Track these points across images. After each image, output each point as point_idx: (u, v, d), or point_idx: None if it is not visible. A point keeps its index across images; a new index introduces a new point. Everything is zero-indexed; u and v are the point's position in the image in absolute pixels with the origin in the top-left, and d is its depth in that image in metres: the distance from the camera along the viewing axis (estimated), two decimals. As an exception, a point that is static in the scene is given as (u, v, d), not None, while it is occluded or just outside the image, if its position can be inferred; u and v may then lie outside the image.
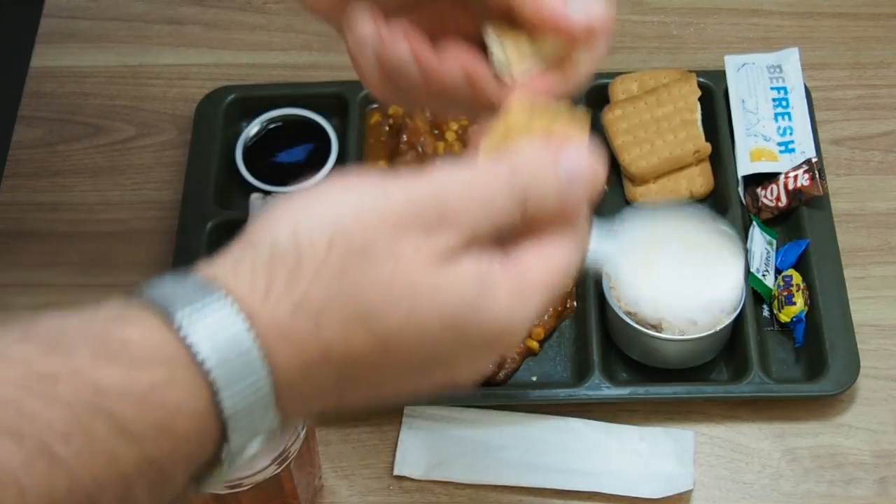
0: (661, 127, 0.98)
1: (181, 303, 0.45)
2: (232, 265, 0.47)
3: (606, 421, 0.86)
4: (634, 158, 0.97)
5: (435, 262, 0.47)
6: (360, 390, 0.48)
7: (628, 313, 0.87)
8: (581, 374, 0.88)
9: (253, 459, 0.47)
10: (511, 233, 0.50)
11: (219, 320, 0.44)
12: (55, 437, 0.41)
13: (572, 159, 0.50)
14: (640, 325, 0.86)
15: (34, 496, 0.40)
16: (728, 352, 0.90)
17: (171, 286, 0.46)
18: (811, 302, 0.90)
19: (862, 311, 0.91)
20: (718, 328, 0.86)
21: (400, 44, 0.55)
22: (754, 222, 0.93)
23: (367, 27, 0.55)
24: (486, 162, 0.50)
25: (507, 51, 0.53)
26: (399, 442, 0.85)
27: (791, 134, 0.97)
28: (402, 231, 0.46)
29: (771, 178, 0.96)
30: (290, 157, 1.00)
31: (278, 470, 0.72)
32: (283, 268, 0.46)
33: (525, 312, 0.49)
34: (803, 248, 0.93)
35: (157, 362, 0.43)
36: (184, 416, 0.44)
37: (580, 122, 0.52)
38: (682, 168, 0.97)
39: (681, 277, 0.63)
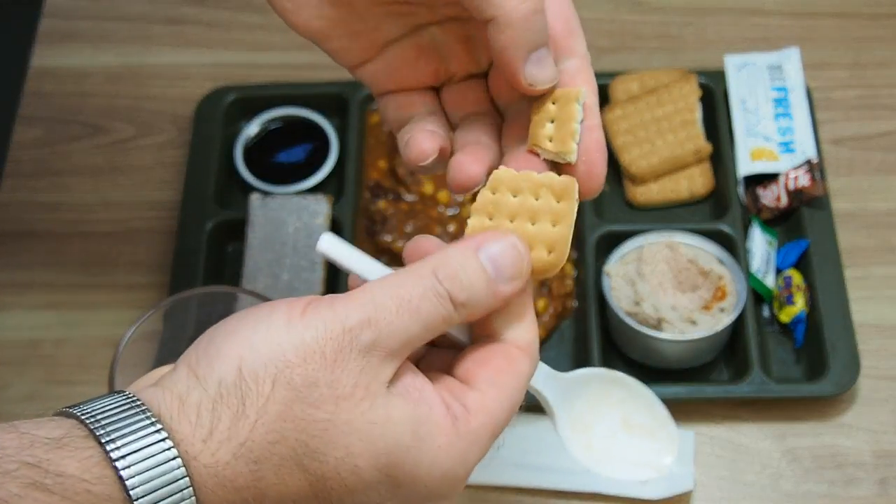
0: (661, 127, 0.98)
1: (122, 439, 0.45)
2: (178, 402, 0.47)
3: (606, 421, 0.86)
4: (635, 158, 0.97)
5: (371, 397, 0.48)
6: None
7: (628, 313, 0.87)
8: (581, 374, 0.88)
9: None
10: (456, 342, 0.52)
11: (158, 464, 0.45)
12: None
13: (493, 248, 0.51)
14: (641, 325, 0.86)
15: None
16: (728, 352, 0.90)
17: (114, 415, 0.46)
18: (811, 302, 0.90)
19: (862, 311, 0.91)
20: (718, 328, 0.86)
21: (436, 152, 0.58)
22: (754, 222, 0.93)
23: (429, 149, 0.58)
24: (410, 268, 0.50)
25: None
26: (399, 442, 0.85)
27: (791, 134, 0.97)
28: (341, 364, 0.47)
29: (771, 178, 0.96)
30: (289, 157, 1.00)
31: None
32: (229, 409, 0.46)
33: (466, 462, 0.50)
34: (804, 248, 0.92)
35: (90, 500, 0.44)
36: None
37: (567, 190, 0.53)
38: (682, 168, 0.97)
39: (616, 444, 0.66)
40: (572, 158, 0.54)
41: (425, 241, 0.53)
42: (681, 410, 0.87)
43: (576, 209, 0.53)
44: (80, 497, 0.44)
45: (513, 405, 0.51)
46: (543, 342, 0.91)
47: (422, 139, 0.58)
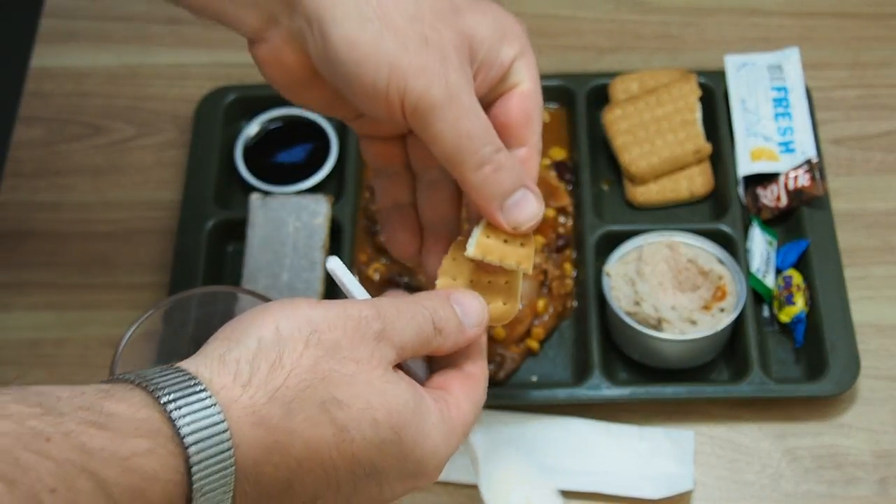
0: (661, 127, 0.98)
1: (167, 388, 0.50)
2: (217, 360, 0.53)
3: (606, 421, 0.86)
4: (634, 158, 0.97)
5: (382, 368, 0.56)
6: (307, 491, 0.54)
7: (628, 313, 0.87)
8: (581, 374, 0.88)
9: None
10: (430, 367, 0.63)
11: (199, 406, 0.50)
12: (43, 489, 0.45)
13: (461, 298, 0.62)
14: (641, 325, 0.86)
15: None
16: (728, 352, 0.90)
17: (157, 375, 0.51)
18: (811, 302, 0.90)
19: (862, 311, 0.91)
20: (719, 328, 0.86)
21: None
22: (754, 222, 0.93)
23: (412, 252, 0.70)
24: (399, 298, 0.60)
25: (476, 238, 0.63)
26: (399, 442, 0.85)
27: (791, 134, 0.97)
28: (359, 338, 0.56)
29: (771, 178, 0.96)
30: (289, 157, 1.00)
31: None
32: (267, 361, 0.53)
33: (449, 443, 0.59)
34: (803, 248, 0.93)
35: (140, 434, 0.48)
36: (158, 484, 0.48)
37: (524, 255, 0.63)
38: (682, 168, 0.97)
39: None
40: (528, 270, 0.63)
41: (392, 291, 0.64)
42: (681, 410, 0.88)
43: (521, 275, 0.64)
44: (131, 432, 0.48)
45: (475, 415, 0.61)
46: (543, 342, 0.91)
47: (404, 243, 0.69)
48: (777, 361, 0.90)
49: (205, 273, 0.92)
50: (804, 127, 0.98)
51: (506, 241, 0.62)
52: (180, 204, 0.97)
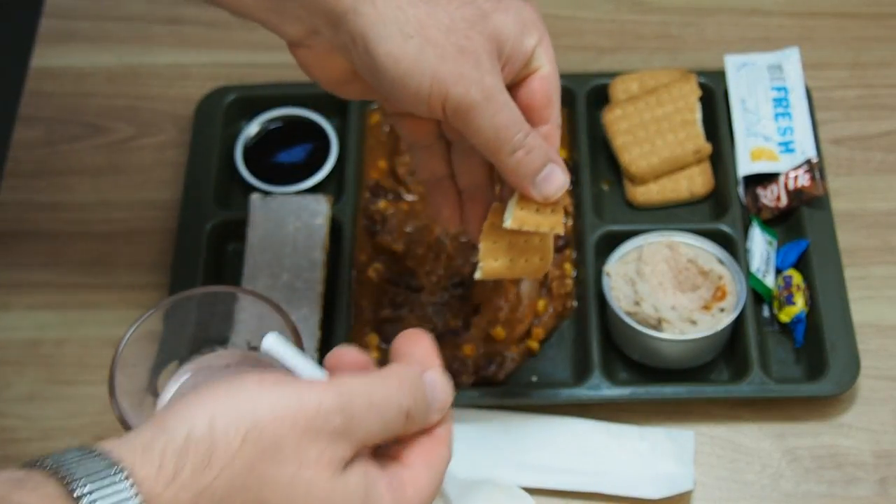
0: (661, 127, 0.98)
1: (84, 479, 0.47)
2: (141, 449, 0.49)
3: (606, 421, 0.86)
4: (634, 158, 0.97)
5: (332, 469, 0.52)
6: None
7: (628, 313, 0.87)
8: (581, 374, 0.88)
9: None
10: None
11: (117, 499, 0.47)
12: None
13: (434, 378, 0.58)
14: (641, 325, 0.86)
15: None
16: (728, 352, 0.90)
17: (76, 460, 0.48)
18: (811, 302, 0.90)
19: (862, 311, 0.91)
20: (718, 328, 0.86)
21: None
22: (754, 222, 0.93)
23: (449, 219, 0.76)
24: (381, 373, 0.56)
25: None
26: (399, 442, 0.85)
27: (791, 134, 0.97)
28: (310, 437, 0.51)
29: (771, 178, 0.96)
30: (289, 157, 1.00)
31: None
32: (195, 457, 0.49)
33: None
34: (803, 248, 0.93)
35: None
36: None
37: (555, 220, 0.71)
38: (682, 168, 0.97)
39: None
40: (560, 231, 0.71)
41: (348, 354, 0.58)
42: (681, 410, 0.88)
43: (552, 235, 0.72)
44: None
45: (438, 483, 0.57)
46: (543, 342, 0.91)
47: (447, 216, 0.76)
48: (777, 361, 0.90)
49: (205, 273, 0.92)
50: (804, 127, 0.98)
51: (538, 210, 0.70)
52: (180, 204, 0.97)
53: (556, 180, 0.69)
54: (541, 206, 0.70)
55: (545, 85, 0.70)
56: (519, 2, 0.68)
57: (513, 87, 0.69)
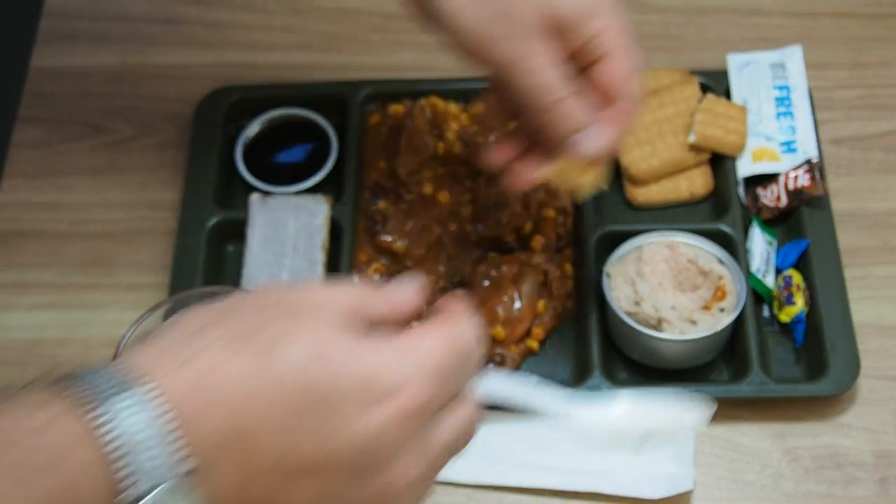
0: (662, 129, 0.98)
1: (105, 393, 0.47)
2: (155, 349, 0.50)
3: (606, 421, 0.86)
4: (635, 160, 0.97)
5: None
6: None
7: (628, 313, 0.87)
8: (581, 374, 0.88)
9: None
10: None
11: (139, 410, 0.46)
12: None
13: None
14: (641, 325, 0.86)
15: None
16: (728, 352, 0.90)
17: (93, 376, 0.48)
18: (811, 302, 0.90)
19: (862, 311, 0.91)
20: (718, 328, 0.86)
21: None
22: (754, 222, 0.93)
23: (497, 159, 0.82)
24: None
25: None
26: (399, 442, 0.85)
27: (793, 133, 0.97)
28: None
29: (771, 178, 0.95)
30: (289, 157, 1.00)
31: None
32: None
33: (402, 357, 0.52)
34: (803, 248, 0.92)
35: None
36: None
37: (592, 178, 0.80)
38: (682, 170, 0.97)
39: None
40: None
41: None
42: (681, 410, 0.87)
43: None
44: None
45: (449, 354, 0.53)
46: (543, 342, 0.91)
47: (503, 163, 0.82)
48: (777, 361, 0.90)
49: (205, 273, 0.92)
50: (806, 126, 0.97)
51: (575, 165, 0.78)
52: (180, 204, 0.97)
53: (589, 143, 0.76)
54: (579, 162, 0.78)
55: (615, 66, 0.77)
56: None
57: (586, 70, 0.77)
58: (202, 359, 0.49)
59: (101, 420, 0.46)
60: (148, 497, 0.46)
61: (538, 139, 0.80)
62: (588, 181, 0.80)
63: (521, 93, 0.75)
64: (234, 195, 0.98)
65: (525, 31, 0.74)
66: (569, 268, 0.93)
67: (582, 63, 0.77)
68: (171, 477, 0.46)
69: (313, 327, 0.51)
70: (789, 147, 0.96)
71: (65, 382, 0.47)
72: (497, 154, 0.82)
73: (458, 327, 0.55)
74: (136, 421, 0.46)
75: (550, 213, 0.95)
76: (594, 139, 0.76)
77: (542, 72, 0.75)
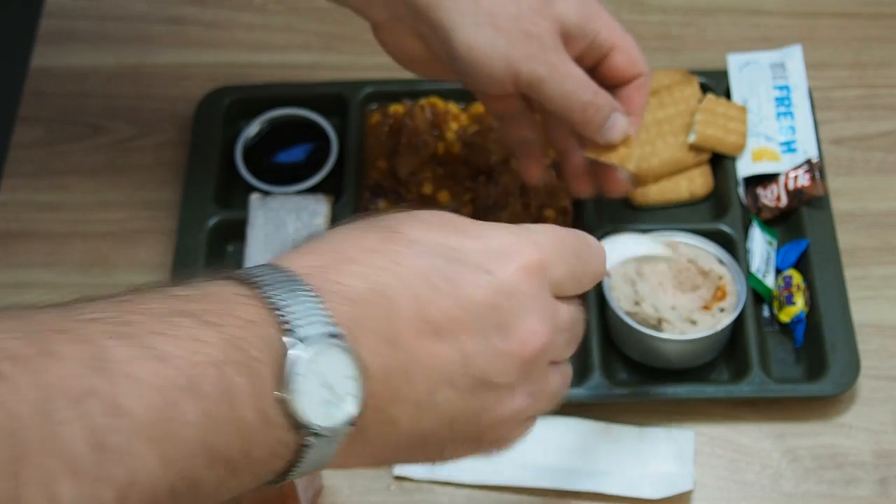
0: (662, 129, 0.98)
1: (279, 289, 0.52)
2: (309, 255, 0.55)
3: (606, 421, 0.86)
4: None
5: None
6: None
7: (628, 313, 0.87)
8: (581, 374, 0.88)
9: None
10: None
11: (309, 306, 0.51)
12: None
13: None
14: (641, 325, 0.86)
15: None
16: (728, 352, 0.90)
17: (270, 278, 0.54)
18: (811, 302, 0.90)
19: (862, 311, 0.91)
20: (718, 328, 0.86)
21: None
22: (754, 222, 0.93)
23: (536, 176, 0.90)
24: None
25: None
26: (399, 442, 0.85)
27: (793, 133, 0.97)
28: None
29: (771, 178, 0.96)
30: (290, 157, 1.00)
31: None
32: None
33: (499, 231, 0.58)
34: (803, 248, 0.92)
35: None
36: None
37: (626, 154, 0.83)
38: (682, 170, 0.97)
39: None
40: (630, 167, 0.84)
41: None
42: (681, 410, 0.88)
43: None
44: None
45: (553, 248, 0.59)
46: (543, 342, 0.91)
47: (534, 173, 0.89)
48: (777, 361, 0.90)
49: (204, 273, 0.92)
50: (806, 125, 0.97)
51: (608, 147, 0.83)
52: (180, 204, 0.97)
53: (618, 128, 0.81)
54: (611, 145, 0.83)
55: (621, 57, 0.82)
56: None
57: (595, 67, 0.82)
58: (334, 240, 0.55)
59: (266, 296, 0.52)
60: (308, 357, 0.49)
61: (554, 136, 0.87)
62: (628, 155, 0.83)
63: (555, 101, 0.79)
64: (234, 195, 0.98)
65: (548, 45, 0.78)
66: (569, 268, 0.93)
67: (590, 62, 0.81)
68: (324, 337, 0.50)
69: (434, 211, 0.57)
70: (789, 147, 0.97)
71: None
72: (538, 172, 0.89)
73: (581, 235, 0.62)
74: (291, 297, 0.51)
75: (550, 213, 0.95)
76: (617, 126, 0.81)
77: (574, 75, 0.79)
